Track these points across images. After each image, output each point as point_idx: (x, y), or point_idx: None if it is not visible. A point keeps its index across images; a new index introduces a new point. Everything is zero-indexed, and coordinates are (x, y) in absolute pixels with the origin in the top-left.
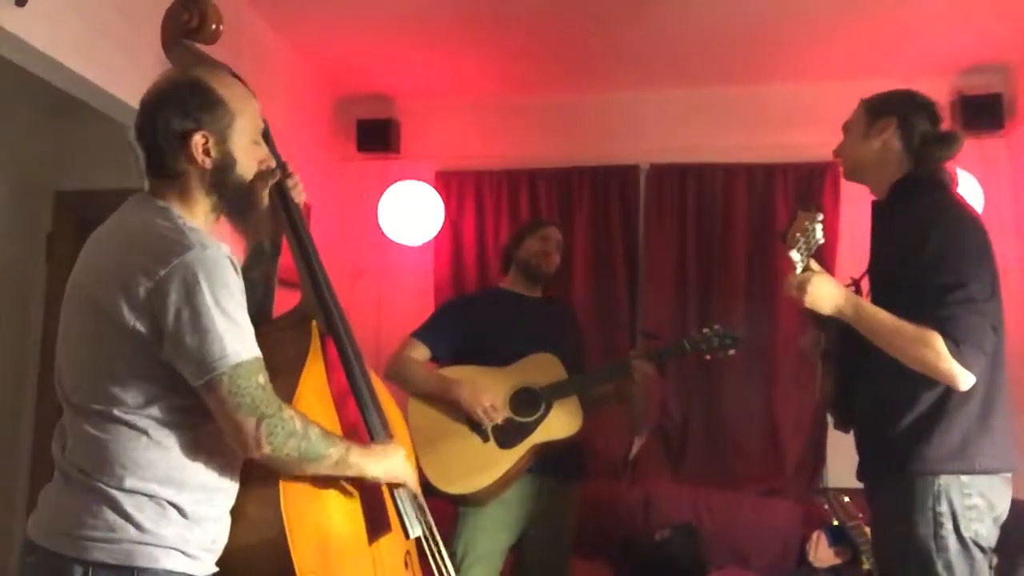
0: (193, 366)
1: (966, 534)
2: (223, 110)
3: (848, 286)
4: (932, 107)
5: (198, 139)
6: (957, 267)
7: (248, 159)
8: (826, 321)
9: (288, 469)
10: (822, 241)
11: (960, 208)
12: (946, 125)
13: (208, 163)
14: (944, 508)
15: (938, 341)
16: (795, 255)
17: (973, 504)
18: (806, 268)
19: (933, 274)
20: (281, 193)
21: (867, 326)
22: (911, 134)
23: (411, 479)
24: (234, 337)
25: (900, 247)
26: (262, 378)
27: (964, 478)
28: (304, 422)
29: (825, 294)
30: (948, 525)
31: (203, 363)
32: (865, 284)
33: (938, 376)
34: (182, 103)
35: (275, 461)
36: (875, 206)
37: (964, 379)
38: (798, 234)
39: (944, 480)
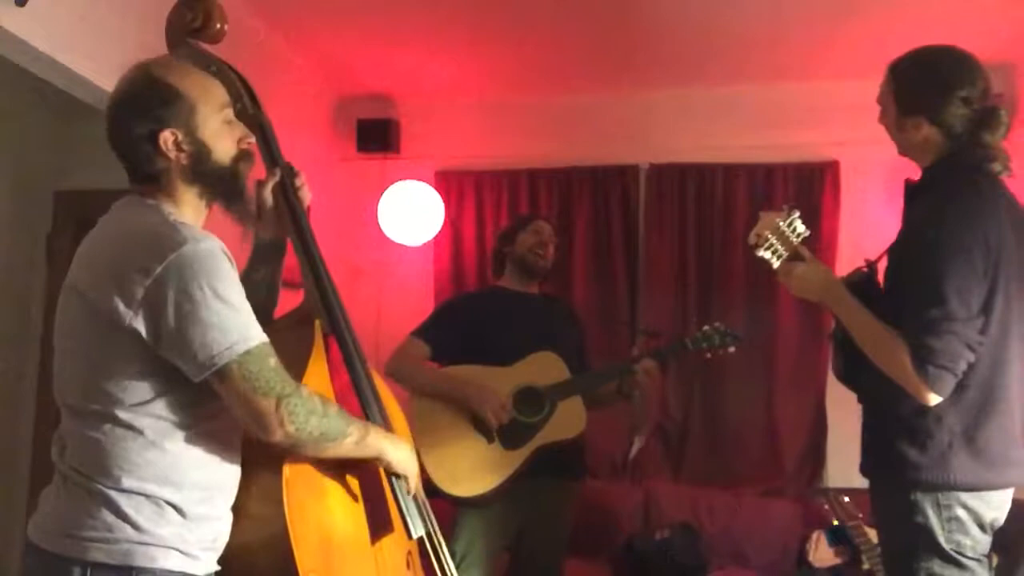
0: (200, 358)
1: (947, 546)
2: (182, 102)
3: (861, 268)
4: (964, 84)
5: (166, 136)
6: (937, 280)
7: (222, 143)
8: None
9: (310, 449)
10: (807, 232)
11: (971, 206)
12: None
13: (183, 158)
14: (920, 520)
15: (904, 354)
16: (764, 254)
17: (953, 516)
18: (796, 258)
19: (914, 283)
20: (286, 193)
21: (845, 321)
22: (947, 127)
23: (415, 474)
24: (239, 324)
25: (904, 238)
26: (273, 361)
27: (941, 493)
28: (323, 401)
29: (808, 283)
30: (925, 538)
31: (211, 353)
32: (884, 265)
33: (904, 387)
34: (140, 105)
35: (298, 441)
36: (907, 185)
37: (928, 397)
38: (766, 233)
39: (922, 493)
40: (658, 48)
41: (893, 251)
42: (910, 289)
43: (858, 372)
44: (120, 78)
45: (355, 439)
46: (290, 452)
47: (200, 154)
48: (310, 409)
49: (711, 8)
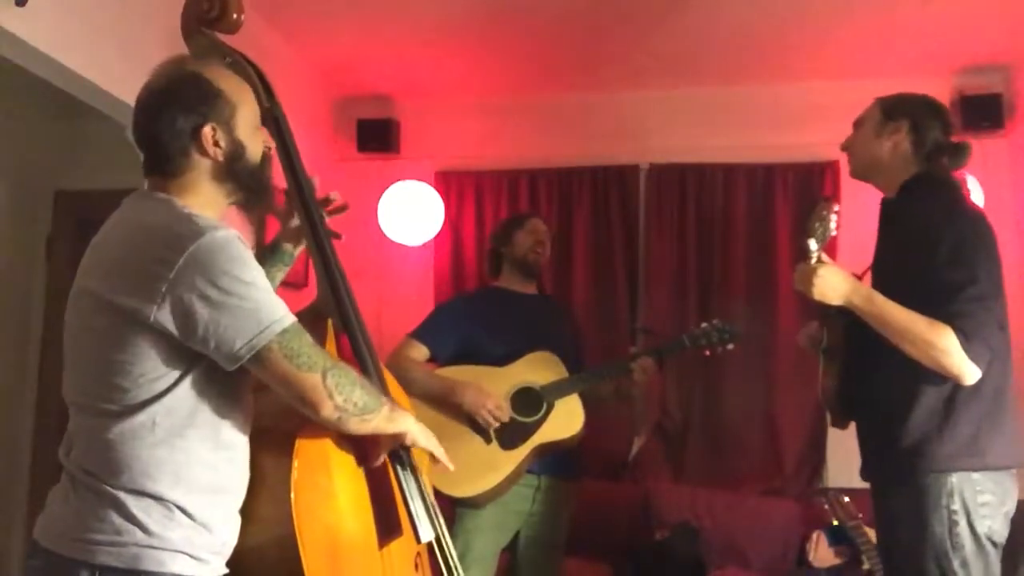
0: (237, 344)
1: (980, 531)
2: (223, 101)
3: None
4: (946, 115)
5: (207, 131)
6: (970, 264)
7: (254, 144)
8: (831, 315)
9: (354, 423)
10: (835, 233)
11: (971, 208)
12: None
13: (220, 154)
14: (957, 506)
15: (950, 335)
16: (813, 244)
17: (985, 501)
18: (818, 260)
19: (946, 270)
20: (302, 196)
21: (878, 317)
22: (922, 139)
23: (438, 446)
24: (271, 306)
25: (910, 243)
26: (308, 338)
27: (975, 475)
28: (358, 373)
29: (834, 285)
30: (962, 523)
31: (249, 337)
32: (867, 280)
33: (945, 370)
34: (184, 100)
35: (344, 414)
36: (885, 203)
37: (971, 374)
38: (817, 223)
39: (956, 477)
40: (658, 48)
41: (885, 265)
42: (940, 277)
43: (861, 379)
44: (155, 71)
45: (387, 411)
46: (299, 451)
47: (236, 152)
48: (352, 380)
49: (711, 8)
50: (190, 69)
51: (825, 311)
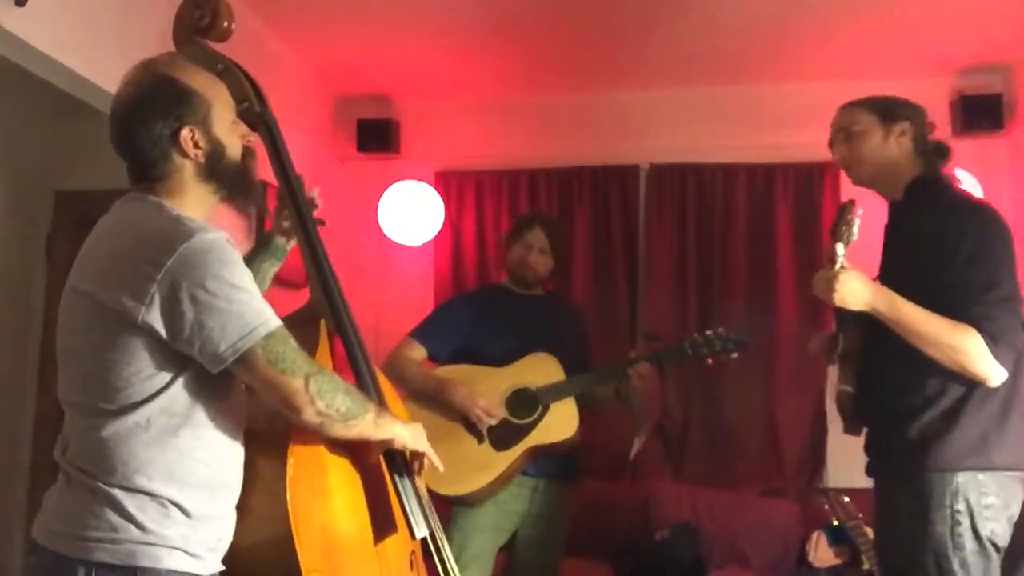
0: (222, 347)
1: (983, 532)
2: (198, 100)
3: None
4: (924, 113)
5: (186, 134)
6: (991, 265)
7: (233, 139)
8: (849, 321)
9: (337, 427)
10: (856, 237)
11: (984, 206)
12: (946, 125)
13: (200, 155)
14: (961, 506)
15: (976, 338)
16: (840, 248)
17: (990, 503)
18: (840, 266)
19: (968, 273)
20: (295, 199)
21: (901, 322)
22: (921, 138)
23: (430, 449)
24: (257, 309)
25: (924, 245)
26: (294, 342)
27: (981, 476)
28: (343, 379)
29: (856, 291)
30: (965, 523)
31: (233, 340)
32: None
33: (971, 372)
34: (159, 105)
35: (327, 419)
36: (893, 205)
37: (998, 377)
38: (843, 227)
39: (962, 477)
40: (659, 48)
41: (898, 268)
42: (963, 280)
43: (875, 380)
44: (126, 79)
45: (373, 416)
46: (295, 448)
47: (215, 152)
48: (335, 386)
49: (711, 9)
50: (161, 72)
51: (843, 316)
